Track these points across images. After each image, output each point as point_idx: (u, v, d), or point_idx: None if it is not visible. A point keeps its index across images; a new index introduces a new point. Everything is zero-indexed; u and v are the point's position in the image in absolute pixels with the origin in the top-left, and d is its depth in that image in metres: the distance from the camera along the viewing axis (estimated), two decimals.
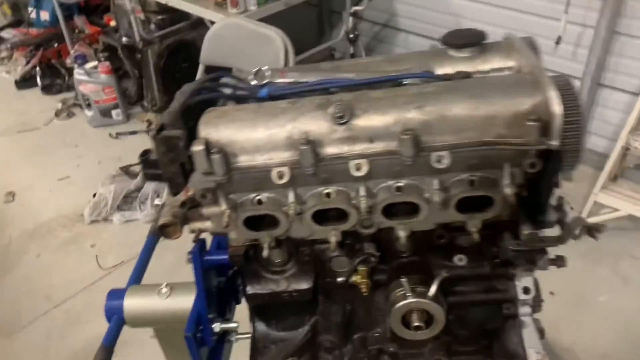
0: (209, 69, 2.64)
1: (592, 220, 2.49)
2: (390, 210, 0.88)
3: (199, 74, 2.66)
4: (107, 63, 3.44)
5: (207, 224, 0.98)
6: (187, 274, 1.09)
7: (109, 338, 1.06)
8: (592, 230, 0.84)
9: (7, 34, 4.69)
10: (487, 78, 0.87)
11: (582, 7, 2.66)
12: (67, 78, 4.01)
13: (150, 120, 3.55)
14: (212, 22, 2.81)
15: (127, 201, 2.87)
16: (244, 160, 0.84)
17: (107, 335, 1.06)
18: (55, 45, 4.23)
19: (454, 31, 0.95)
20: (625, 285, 2.38)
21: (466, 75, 0.88)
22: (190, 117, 0.87)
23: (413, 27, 3.42)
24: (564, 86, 0.77)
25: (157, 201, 2.84)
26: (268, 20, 2.60)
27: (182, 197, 0.96)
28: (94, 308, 2.39)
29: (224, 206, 0.88)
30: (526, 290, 0.99)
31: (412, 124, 0.80)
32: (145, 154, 0.90)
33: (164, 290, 1.09)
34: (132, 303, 1.10)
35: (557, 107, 0.75)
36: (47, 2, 4.49)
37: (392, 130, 0.80)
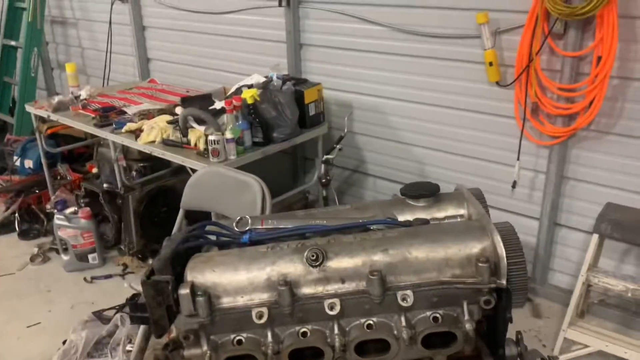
0: (189, 214, 2.76)
1: (563, 357, 2.52)
2: (363, 348, 0.94)
3: (179, 219, 2.76)
4: (88, 209, 3.54)
5: None
6: None
7: None
8: None
9: None
10: (441, 224, 0.99)
11: (532, 155, 2.94)
12: (45, 223, 4.07)
13: (126, 263, 3.57)
14: (194, 171, 2.99)
15: (97, 348, 2.79)
16: (226, 302, 0.91)
17: None
18: (37, 191, 4.36)
19: (412, 184, 1.09)
20: None
21: (424, 222, 1.01)
22: (178, 263, 0.95)
23: (380, 172, 3.67)
24: (507, 231, 0.89)
25: (129, 347, 2.77)
26: (247, 167, 2.78)
27: (164, 339, 1.02)
28: None
29: (205, 347, 0.93)
30: None
31: (378, 266, 0.90)
32: (133, 297, 0.97)
33: None
34: None
35: (501, 250, 0.87)
36: (32, 151, 4.71)
37: (361, 271, 0.90)
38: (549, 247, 3.05)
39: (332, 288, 0.90)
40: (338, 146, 3.13)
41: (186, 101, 3.42)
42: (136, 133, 3.34)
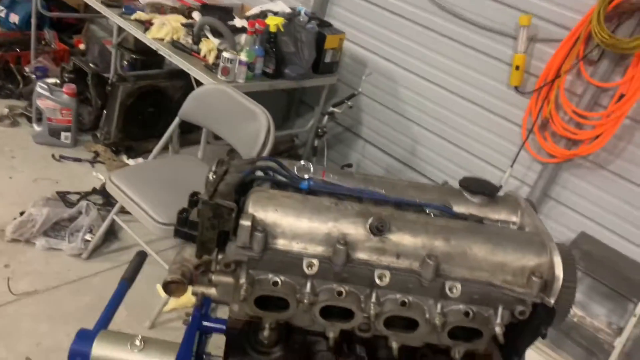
0: (184, 124, 2.68)
1: None
2: (389, 321, 0.96)
3: (173, 127, 2.69)
4: (74, 85, 3.38)
5: (212, 291, 1.02)
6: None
7: None
8: None
9: None
10: (503, 229, 1.00)
11: (525, 166, 3.02)
12: (20, 85, 3.87)
13: (98, 152, 3.46)
14: (197, 82, 2.89)
15: (55, 228, 2.73)
16: (281, 244, 0.90)
17: None
18: (17, 50, 4.11)
19: (471, 178, 1.09)
20: None
21: (479, 220, 1.02)
22: (237, 192, 0.93)
23: (373, 138, 3.67)
24: (566, 254, 0.92)
25: (88, 236, 2.73)
26: (248, 95, 2.70)
27: (194, 258, 1.00)
28: None
29: (243, 280, 0.93)
30: None
31: (437, 252, 0.90)
32: (183, 211, 0.94)
33: (137, 343, 1.08)
34: (101, 349, 1.07)
35: (559, 271, 0.89)
36: (21, 6, 4.41)
37: (418, 252, 0.91)
38: None
39: (386, 260, 0.91)
40: (349, 102, 3.10)
41: (206, 9, 3.26)
42: (145, 25, 3.18)
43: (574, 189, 2.89)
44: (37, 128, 3.41)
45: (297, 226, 0.90)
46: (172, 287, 1.01)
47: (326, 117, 3.17)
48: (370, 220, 0.90)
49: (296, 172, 1.02)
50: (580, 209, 2.88)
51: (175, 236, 0.94)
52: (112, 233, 2.85)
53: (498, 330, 0.93)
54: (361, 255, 0.91)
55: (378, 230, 0.90)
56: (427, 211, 1.01)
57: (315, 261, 0.90)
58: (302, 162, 1.02)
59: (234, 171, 0.94)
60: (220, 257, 0.94)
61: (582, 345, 2.95)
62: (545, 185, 2.94)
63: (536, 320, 0.92)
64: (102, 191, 3.05)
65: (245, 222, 0.87)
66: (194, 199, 0.98)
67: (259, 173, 1.01)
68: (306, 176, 1.01)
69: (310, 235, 0.90)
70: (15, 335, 2.22)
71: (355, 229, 0.91)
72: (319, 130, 3.23)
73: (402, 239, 0.91)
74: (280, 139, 3.58)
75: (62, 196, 2.95)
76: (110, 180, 2.44)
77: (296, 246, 0.90)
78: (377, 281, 0.90)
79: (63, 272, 2.57)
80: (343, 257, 0.89)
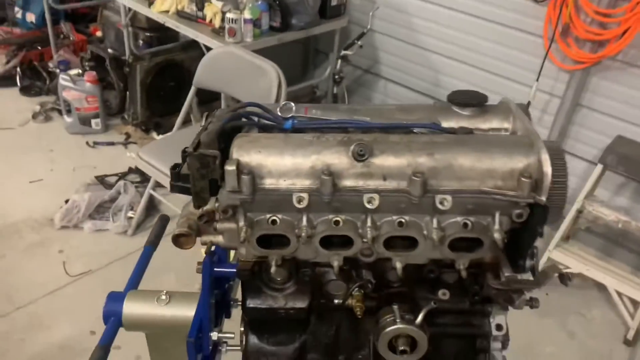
0: (200, 92, 2.72)
1: None
2: (390, 243, 0.98)
3: (190, 96, 2.73)
4: (94, 73, 3.47)
5: (219, 238, 1.06)
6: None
7: (106, 339, 1.11)
8: (565, 278, 0.97)
9: None
10: (489, 136, 1.00)
11: (551, 78, 2.90)
12: (47, 81, 4.00)
13: (129, 133, 3.57)
14: (207, 48, 2.91)
15: (99, 210, 2.87)
16: (269, 183, 0.93)
17: (104, 336, 1.11)
18: (39, 47, 4.23)
19: (459, 91, 1.08)
20: (571, 339, 2.54)
21: (469, 131, 1.01)
22: (221, 140, 0.95)
23: (393, 75, 3.61)
24: (555, 150, 0.90)
25: (130, 214, 2.86)
26: (260, 52, 2.71)
27: (198, 210, 1.05)
28: (57, 313, 2.38)
29: (242, 223, 0.97)
30: (499, 327, 1.10)
31: (422, 168, 0.91)
32: (175, 167, 0.98)
33: (163, 297, 1.15)
34: (131, 307, 1.15)
35: (548, 168, 0.88)
36: (35, 4, 4.51)
37: (404, 171, 0.91)
38: None
39: (373, 184, 0.92)
40: (359, 42, 3.05)
41: None
42: (149, 0, 3.20)
43: (605, 92, 2.77)
44: (68, 119, 3.54)
45: (281, 164, 0.92)
46: (181, 240, 1.06)
47: (339, 61, 3.13)
48: (351, 147, 0.91)
49: (279, 113, 1.03)
50: (614, 112, 2.77)
51: (171, 191, 0.99)
52: (153, 207, 2.97)
53: (497, 236, 0.93)
54: (347, 182, 0.92)
55: (360, 155, 0.91)
56: (415, 131, 1.01)
57: (305, 195, 0.92)
58: (284, 102, 1.03)
59: (215, 121, 0.97)
60: (217, 205, 0.98)
61: (634, 251, 2.89)
62: (575, 94, 2.83)
63: (532, 220, 0.92)
64: (138, 170, 3.15)
65: (230, 167, 0.90)
66: (184, 154, 1.01)
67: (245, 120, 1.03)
68: (289, 115, 1.03)
69: (295, 170, 0.92)
70: (77, 313, 2.38)
71: (338, 158, 0.92)
72: (336, 76, 3.20)
73: (386, 160, 0.92)
74: (301, 92, 3.58)
75: (101, 180, 3.08)
76: (139, 156, 2.52)
77: (284, 183, 0.93)
78: (367, 205, 0.92)
79: (112, 250, 2.71)
80: (330, 187, 0.91)
